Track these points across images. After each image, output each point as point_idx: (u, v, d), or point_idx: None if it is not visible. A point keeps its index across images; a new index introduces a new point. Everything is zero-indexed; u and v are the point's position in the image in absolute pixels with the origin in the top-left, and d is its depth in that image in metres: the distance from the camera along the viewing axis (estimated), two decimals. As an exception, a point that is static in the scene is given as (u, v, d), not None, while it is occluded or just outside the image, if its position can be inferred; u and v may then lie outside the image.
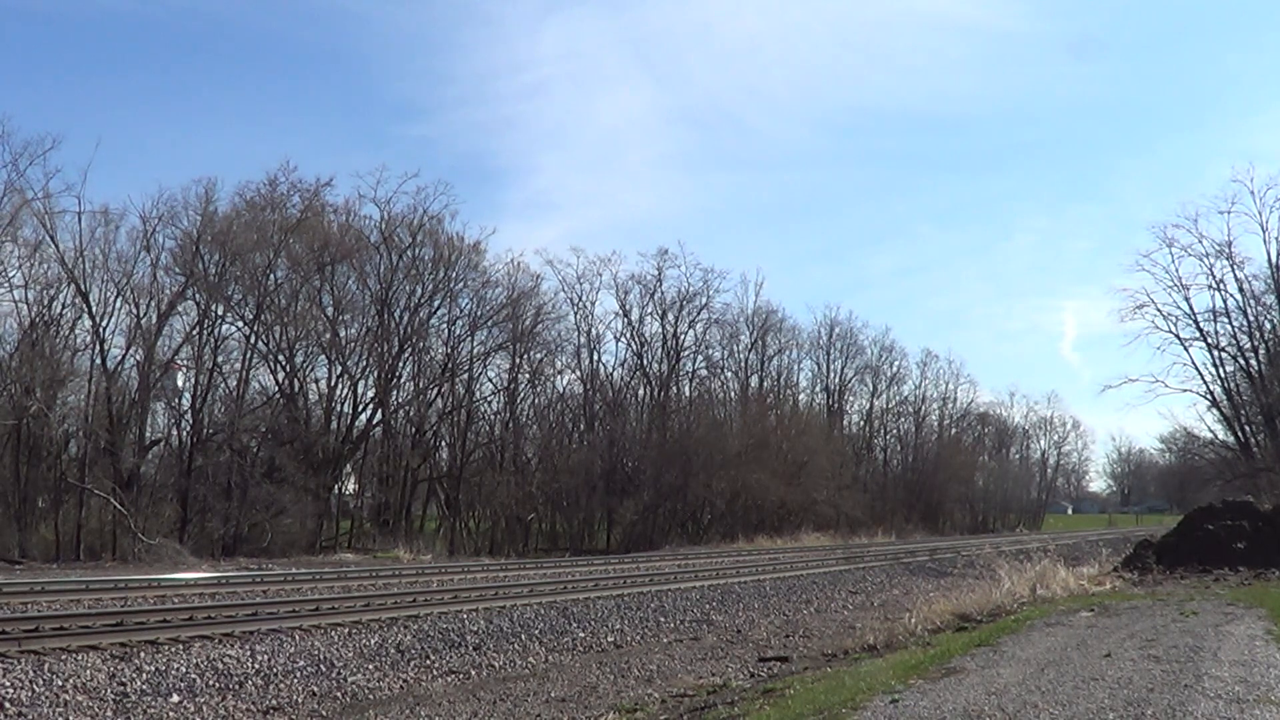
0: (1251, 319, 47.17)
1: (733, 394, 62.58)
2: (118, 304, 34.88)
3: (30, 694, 9.47)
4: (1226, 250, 46.53)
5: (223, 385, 38.60)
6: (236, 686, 10.63)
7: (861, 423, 75.66)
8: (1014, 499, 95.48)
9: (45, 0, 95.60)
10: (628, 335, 56.22)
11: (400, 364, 44.47)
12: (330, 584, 20.23)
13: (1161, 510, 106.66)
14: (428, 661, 12.66)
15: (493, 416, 50.62)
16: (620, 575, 23.05)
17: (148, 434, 36.08)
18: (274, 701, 10.40)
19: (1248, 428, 48.64)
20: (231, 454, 37.05)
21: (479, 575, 23.48)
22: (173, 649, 11.43)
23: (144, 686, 10.13)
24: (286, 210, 41.23)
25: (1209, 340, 47.98)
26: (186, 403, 37.15)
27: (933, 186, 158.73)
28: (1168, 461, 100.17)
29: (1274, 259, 46.00)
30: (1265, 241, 46.22)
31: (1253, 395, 47.60)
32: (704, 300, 57.43)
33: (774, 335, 64.92)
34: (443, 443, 48.48)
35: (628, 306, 55.84)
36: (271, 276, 39.36)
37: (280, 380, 40.76)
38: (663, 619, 17.07)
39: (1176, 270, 47.86)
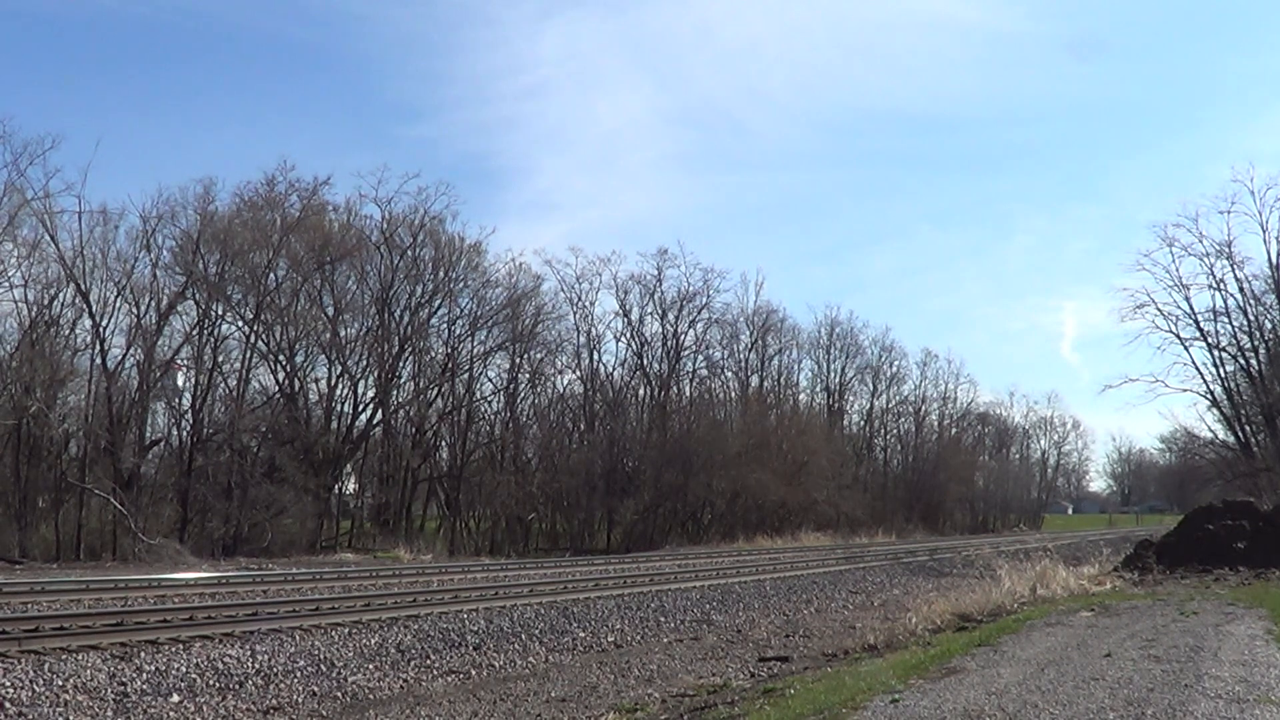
0: (1252, 319, 47.23)
1: (733, 394, 62.59)
2: (118, 304, 34.91)
3: (30, 694, 9.47)
4: (1226, 250, 46.61)
5: (223, 385, 38.60)
6: (236, 686, 10.63)
7: (861, 423, 75.78)
8: (1014, 499, 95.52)
9: (45, 0, 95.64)
10: (628, 335, 56.27)
11: (400, 364, 44.53)
12: (330, 584, 20.21)
13: (1161, 510, 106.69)
14: (428, 661, 12.65)
15: (493, 416, 50.70)
16: (620, 575, 23.03)
17: (148, 434, 36.10)
18: (274, 701, 10.40)
19: (1248, 428, 48.65)
20: (231, 454, 37.03)
21: (479, 575, 23.47)
22: (173, 649, 11.42)
23: (144, 686, 10.12)
24: (286, 210, 41.27)
25: (1209, 340, 48.05)
26: (186, 403, 37.18)
27: (932, 187, 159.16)
28: (1168, 461, 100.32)
29: (1274, 259, 46.07)
30: (1265, 241, 46.32)
31: (1253, 395, 47.58)
32: (704, 300, 57.51)
33: (774, 335, 65.02)
34: (443, 443, 48.52)
35: (628, 306, 55.90)
36: (271, 276, 39.35)
37: (280, 380, 40.80)
38: (663, 619, 17.06)
39: (1177, 270, 47.93)
